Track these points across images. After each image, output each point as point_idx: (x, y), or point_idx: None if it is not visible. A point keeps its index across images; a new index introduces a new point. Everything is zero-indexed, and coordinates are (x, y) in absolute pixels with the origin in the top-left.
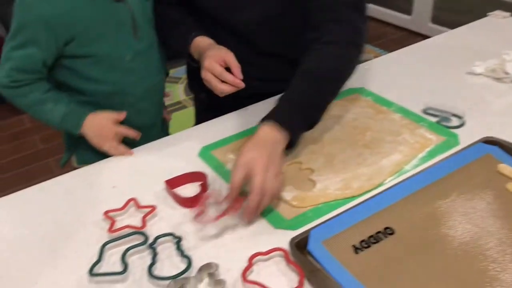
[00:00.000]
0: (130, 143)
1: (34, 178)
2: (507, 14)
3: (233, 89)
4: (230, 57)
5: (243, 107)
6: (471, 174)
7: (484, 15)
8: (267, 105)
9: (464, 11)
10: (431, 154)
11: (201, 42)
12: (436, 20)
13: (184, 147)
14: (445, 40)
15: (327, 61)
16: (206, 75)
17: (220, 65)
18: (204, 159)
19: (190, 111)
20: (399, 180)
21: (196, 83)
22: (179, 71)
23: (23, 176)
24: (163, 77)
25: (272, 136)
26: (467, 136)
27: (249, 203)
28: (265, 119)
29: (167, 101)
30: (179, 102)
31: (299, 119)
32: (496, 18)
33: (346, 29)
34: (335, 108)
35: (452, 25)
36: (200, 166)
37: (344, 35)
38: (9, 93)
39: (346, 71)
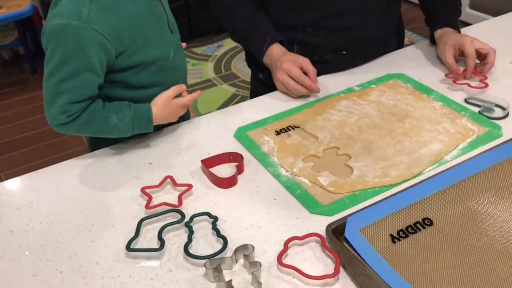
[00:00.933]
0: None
1: (68, 148)
2: None
3: (309, 92)
4: (306, 63)
5: None
6: None
7: None
8: (322, 81)
9: None
10: (472, 145)
11: (275, 49)
12: (474, 6)
13: (221, 127)
14: (486, 28)
15: None
16: (283, 77)
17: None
18: (240, 139)
19: (219, 89)
20: (439, 171)
21: (254, 62)
22: (209, 49)
23: (58, 145)
24: None
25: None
26: (511, 128)
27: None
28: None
29: (197, 79)
30: (208, 80)
31: None
32: None
33: None
34: (373, 93)
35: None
36: (236, 146)
37: None
38: (72, 127)
39: None
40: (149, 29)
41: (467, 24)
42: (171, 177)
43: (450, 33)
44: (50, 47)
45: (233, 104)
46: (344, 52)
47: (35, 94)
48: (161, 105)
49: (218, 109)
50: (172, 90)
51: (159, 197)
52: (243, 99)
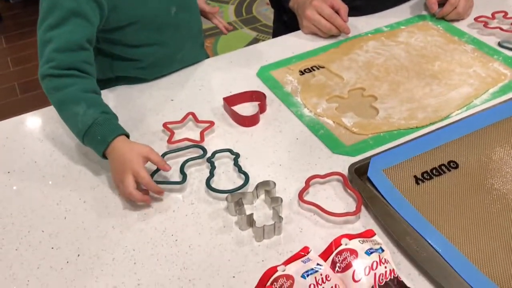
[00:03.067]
0: (179, 61)
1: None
2: None
3: (339, 32)
4: (337, 1)
5: None
6: None
7: None
8: (349, 21)
9: None
10: (503, 90)
11: None
12: None
13: (244, 65)
14: None
15: None
16: (314, 15)
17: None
18: (263, 78)
19: (240, 33)
20: (468, 114)
21: (279, 2)
22: None
23: None
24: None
25: None
26: None
27: None
28: None
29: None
30: (229, 24)
31: None
32: None
33: None
34: (402, 34)
35: None
36: (258, 85)
37: None
38: (48, 85)
39: None
40: None
41: None
42: (193, 114)
43: None
44: None
45: None
46: None
47: None
48: (129, 146)
49: None
50: (154, 155)
51: (181, 133)
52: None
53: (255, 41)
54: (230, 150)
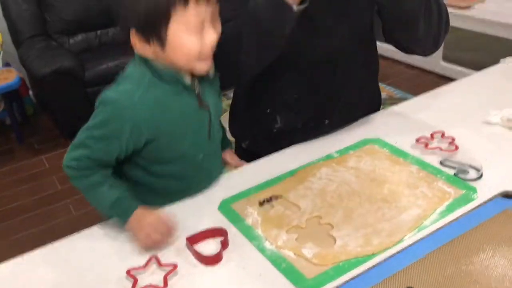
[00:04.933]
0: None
1: (53, 218)
2: None
3: None
4: None
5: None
6: (492, 232)
7: (493, 53)
8: (302, 148)
9: (474, 49)
10: (450, 209)
11: None
12: (447, 58)
13: (205, 201)
14: (458, 88)
15: None
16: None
17: None
18: (224, 212)
19: None
20: (419, 237)
21: (239, 129)
22: None
23: (43, 216)
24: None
25: None
26: (485, 189)
27: None
28: None
29: None
30: None
31: None
32: (509, 65)
33: None
34: (351, 159)
35: (464, 63)
36: (221, 219)
37: None
38: (72, 173)
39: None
40: (186, 130)
41: (441, 76)
42: (156, 257)
43: None
44: (98, 110)
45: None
46: (327, 121)
47: (21, 165)
48: (148, 215)
49: None
50: (166, 224)
51: (145, 278)
52: None
53: None
54: None
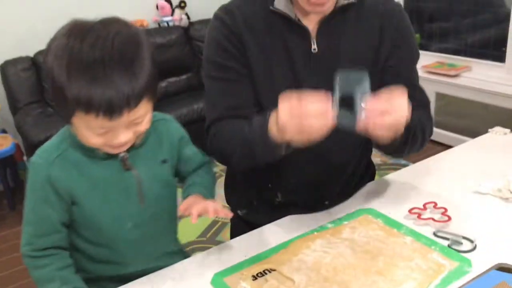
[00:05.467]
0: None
1: None
2: (507, 130)
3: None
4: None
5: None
6: None
7: (482, 120)
8: (296, 218)
9: (464, 116)
10: (445, 282)
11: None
12: (439, 124)
13: (197, 275)
14: (449, 156)
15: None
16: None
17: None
18: (217, 287)
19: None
20: None
21: (236, 199)
22: None
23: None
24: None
25: None
26: (480, 261)
27: None
28: None
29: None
30: None
31: None
32: (497, 135)
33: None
34: (346, 230)
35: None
36: None
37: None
38: (29, 263)
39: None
40: (109, 193)
41: (433, 141)
42: None
43: None
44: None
45: (213, 232)
46: (326, 202)
47: (12, 231)
48: None
49: (198, 237)
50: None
51: None
52: (223, 225)
53: (215, 223)
54: None
